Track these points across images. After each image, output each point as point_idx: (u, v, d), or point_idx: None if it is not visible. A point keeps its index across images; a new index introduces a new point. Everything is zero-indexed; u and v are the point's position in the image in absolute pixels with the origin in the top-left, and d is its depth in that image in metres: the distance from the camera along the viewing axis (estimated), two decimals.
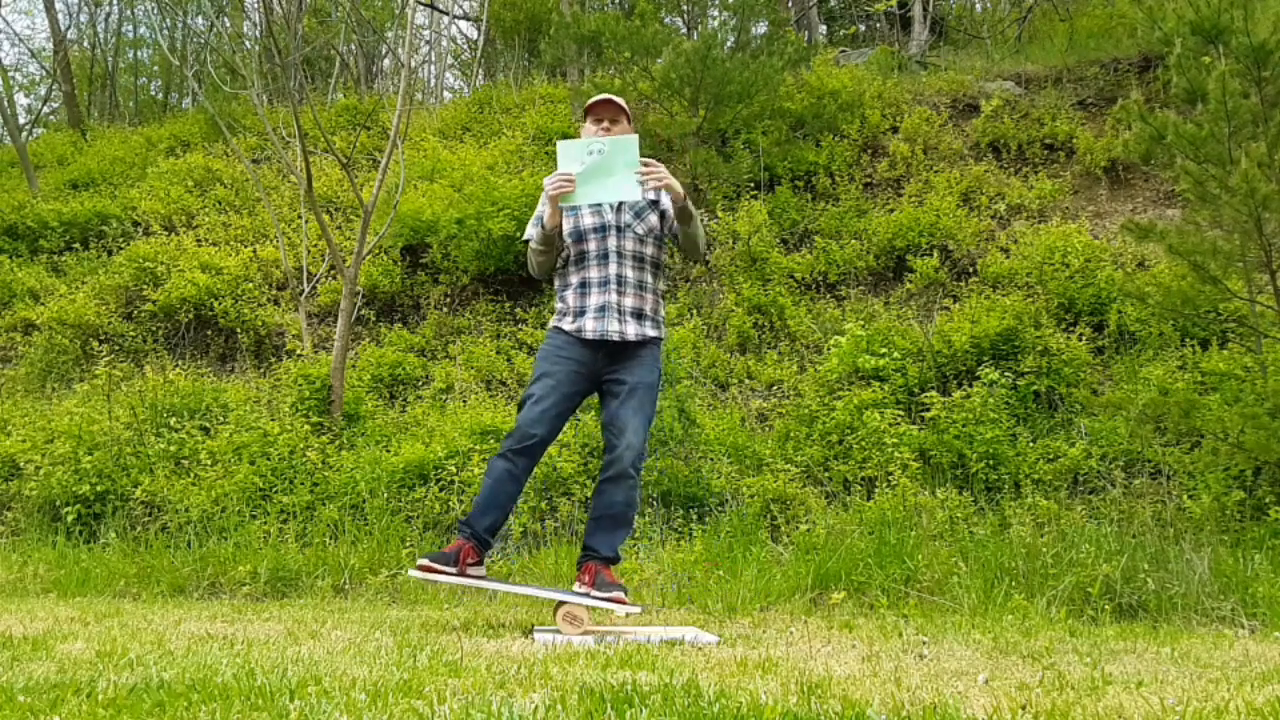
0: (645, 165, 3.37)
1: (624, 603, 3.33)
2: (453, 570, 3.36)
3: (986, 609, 4.11)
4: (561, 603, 3.29)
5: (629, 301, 3.52)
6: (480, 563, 3.46)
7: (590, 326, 3.49)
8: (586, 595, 3.35)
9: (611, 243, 3.54)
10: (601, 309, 3.50)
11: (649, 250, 3.60)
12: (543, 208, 3.54)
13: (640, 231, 3.57)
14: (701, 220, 3.68)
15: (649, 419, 3.53)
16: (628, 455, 3.41)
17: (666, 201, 3.58)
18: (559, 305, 3.63)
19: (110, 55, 18.13)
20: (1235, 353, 6.06)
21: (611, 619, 3.57)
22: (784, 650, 2.91)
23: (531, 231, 3.61)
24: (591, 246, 3.54)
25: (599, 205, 3.52)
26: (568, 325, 3.55)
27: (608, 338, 3.48)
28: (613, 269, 3.52)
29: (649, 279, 3.60)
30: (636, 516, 3.56)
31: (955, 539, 5.02)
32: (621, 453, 3.42)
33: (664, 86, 8.76)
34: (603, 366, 3.54)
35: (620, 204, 3.55)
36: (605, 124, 3.60)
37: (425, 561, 3.36)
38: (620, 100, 3.66)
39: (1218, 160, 4.90)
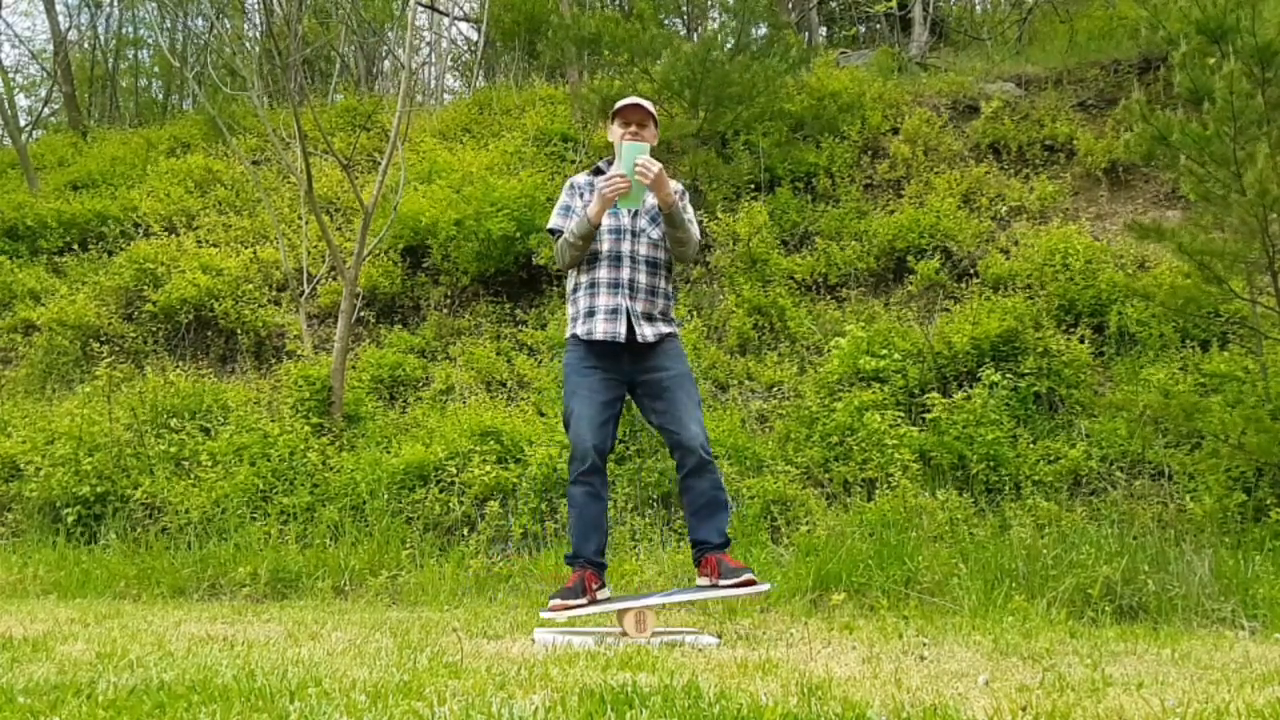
0: (642, 164, 3.36)
1: (754, 582, 3.35)
2: (584, 600, 3.37)
3: (987, 610, 4.11)
4: (625, 609, 3.29)
5: (640, 306, 3.52)
6: (604, 585, 3.49)
7: (601, 328, 3.49)
8: (714, 588, 3.38)
9: (625, 246, 3.54)
10: (613, 311, 3.49)
11: (662, 255, 3.61)
12: (583, 203, 3.55)
13: (655, 236, 3.58)
14: (699, 223, 3.66)
15: (699, 402, 3.57)
16: (696, 443, 3.43)
17: (652, 201, 3.56)
18: (570, 310, 3.63)
19: (110, 56, 18.15)
20: (1236, 354, 6.05)
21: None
22: (784, 651, 2.91)
23: (559, 223, 3.60)
24: (605, 247, 3.54)
25: (616, 209, 3.52)
26: (580, 330, 3.54)
27: (618, 339, 3.47)
28: (625, 273, 3.52)
29: (661, 283, 3.60)
30: (728, 496, 3.57)
31: (955, 540, 5.02)
32: (690, 444, 3.43)
33: (664, 88, 8.75)
34: (630, 366, 3.53)
35: (636, 209, 3.55)
36: (633, 128, 3.58)
37: (557, 601, 3.37)
38: (649, 105, 3.64)
39: (1222, 160, 4.89)
